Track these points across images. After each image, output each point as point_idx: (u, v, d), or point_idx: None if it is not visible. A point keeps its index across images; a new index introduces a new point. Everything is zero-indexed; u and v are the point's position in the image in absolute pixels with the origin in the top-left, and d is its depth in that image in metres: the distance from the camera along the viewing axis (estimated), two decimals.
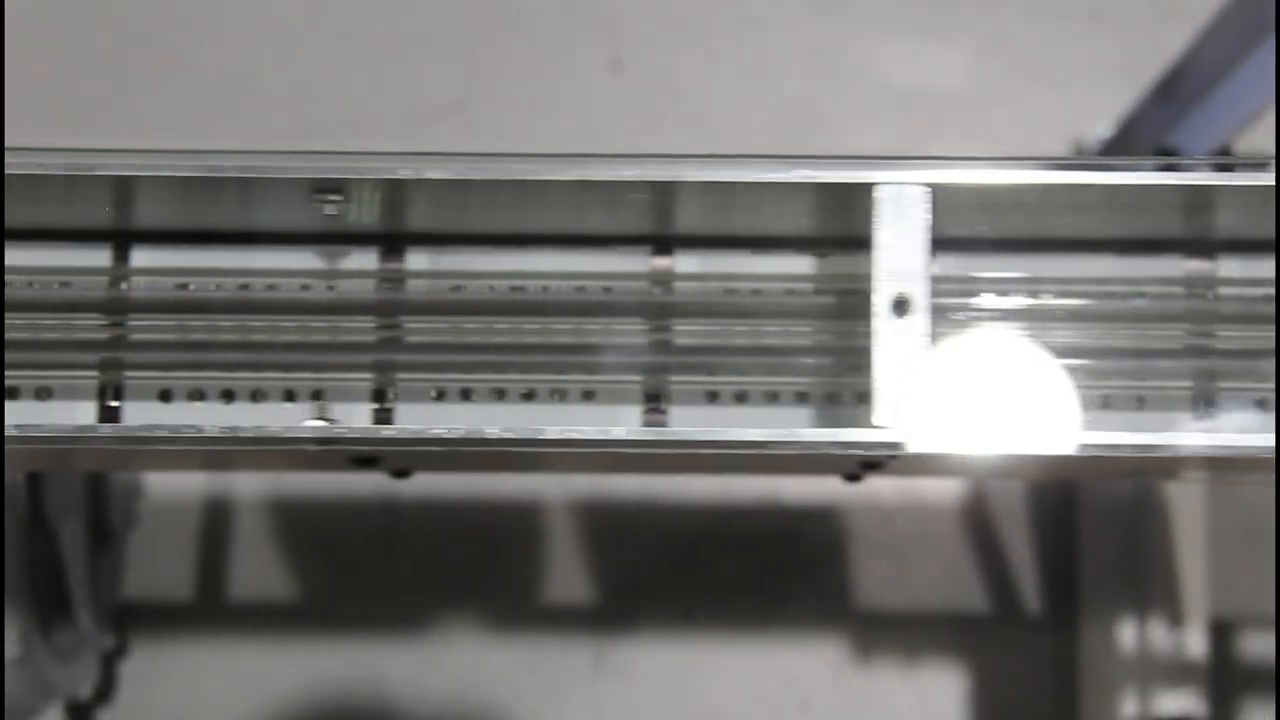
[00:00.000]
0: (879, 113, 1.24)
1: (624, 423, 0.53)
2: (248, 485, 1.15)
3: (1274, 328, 0.50)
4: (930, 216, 0.46)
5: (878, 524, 1.17)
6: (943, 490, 1.18)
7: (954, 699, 1.14)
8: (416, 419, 0.52)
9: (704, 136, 1.23)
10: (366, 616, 1.13)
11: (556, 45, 1.24)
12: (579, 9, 1.25)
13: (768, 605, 1.15)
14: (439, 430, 0.44)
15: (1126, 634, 1.09)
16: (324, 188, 0.46)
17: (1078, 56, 1.24)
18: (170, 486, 1.13)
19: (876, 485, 1.18)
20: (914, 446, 0.45)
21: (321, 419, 0.46)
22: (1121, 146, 1.08)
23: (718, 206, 0.50)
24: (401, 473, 0.58)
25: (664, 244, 0.54)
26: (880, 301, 0.46)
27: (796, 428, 0.49)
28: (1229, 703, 1.11)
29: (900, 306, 0.46)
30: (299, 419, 0.51)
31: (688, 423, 0.53)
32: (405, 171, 0.44)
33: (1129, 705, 1.08)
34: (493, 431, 0.45)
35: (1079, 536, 1.14)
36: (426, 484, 1.15)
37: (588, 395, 0.54)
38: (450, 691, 1.13)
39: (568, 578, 1.15)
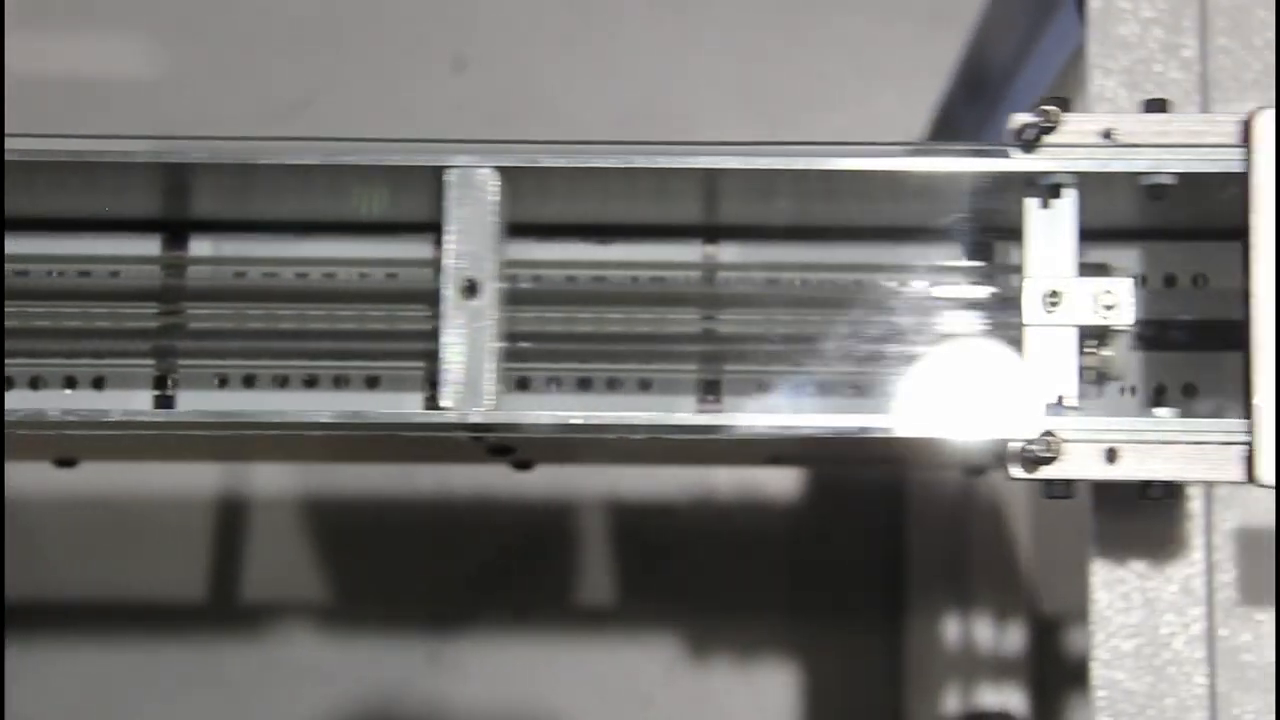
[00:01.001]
0: (723, 112, 1.25)
1: (409, 408, 0.54)
2: (88, 480, 1.16)
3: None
4: (498, 199, 0.48)
5: (715, 521, 1.18)
6: (780, 488, 1.19)
7: (787, 695, 1.15)
8: (198, 405, 0.54)
9: (547, 135, 1.24)
10: (203, 614, 1.14)
11: (399, 43, 1.26)
12: (422, 7, 1.26)
13: (605, 602, 1.16)
14: None
15: (951, 630, 1.11)
16: None
17: (918, 57, 1.25)
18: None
19: (715, 481, 1.19)
20: (473, 419, 0.47)
21: None
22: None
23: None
24: (65, 462, 0.59)
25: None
26: (448, 284, 0.48)
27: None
28: (1050, 698, 1.12)
29: (469, 289, 0.48)
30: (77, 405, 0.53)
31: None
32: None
33: (951, 700, 1.09)
34: (53, 413, 0.46)
35: (908, 533, 1.16)
36: (264, 479, 1.17)
37: (371, 382, 0.55)
38: (286, 689, 1.14)
39: (403, 574, 1.16)
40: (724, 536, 1.18)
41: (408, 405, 0.55)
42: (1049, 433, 0.49)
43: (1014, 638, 1.11)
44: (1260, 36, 0.67)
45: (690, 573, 1.18)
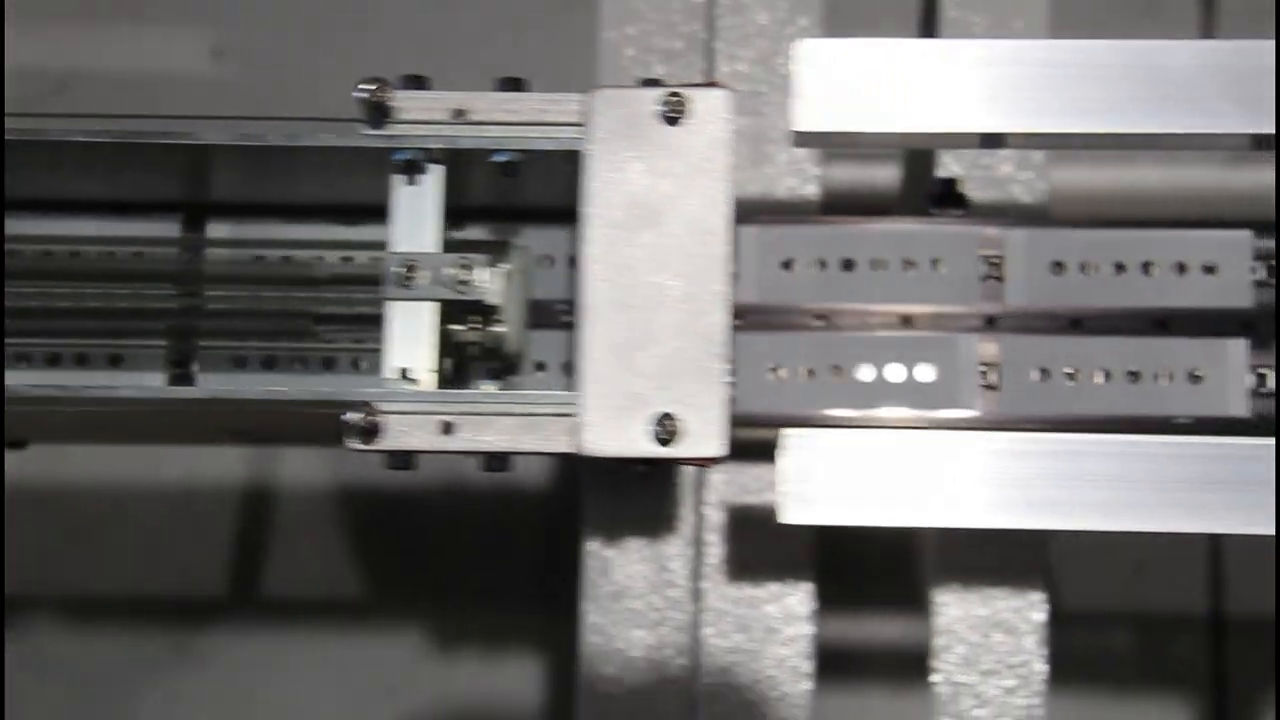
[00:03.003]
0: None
1: None
2: None
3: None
4: None
5: (466, 510, 1.20)
6: (531, 476, 1.21)
7: (534, 687, 1.17)
8: None
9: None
10: None
11: (156, 30, 1.28)
12: None
13: (352, 593, 1.18)
14: None
15: None
16: None
17: None
18: None
19: (465, 470, 1.21)
20: None
21: None
22: None
23: None
24: None
25: None
26: None
27: None
28: None
29: None
30: None
31: None
32: None
33: None
34: None
35: None
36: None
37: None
38: (25, 682, 1.15)
39: (150, 565, 1.18)
40: (474, 526, 1.19)
41: None
42: (366, 404, 0.51)
43: None
44: (766, 13, 0.69)
45: (439, 563, 1.19)
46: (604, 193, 0.52)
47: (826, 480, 0.52)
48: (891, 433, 0.52)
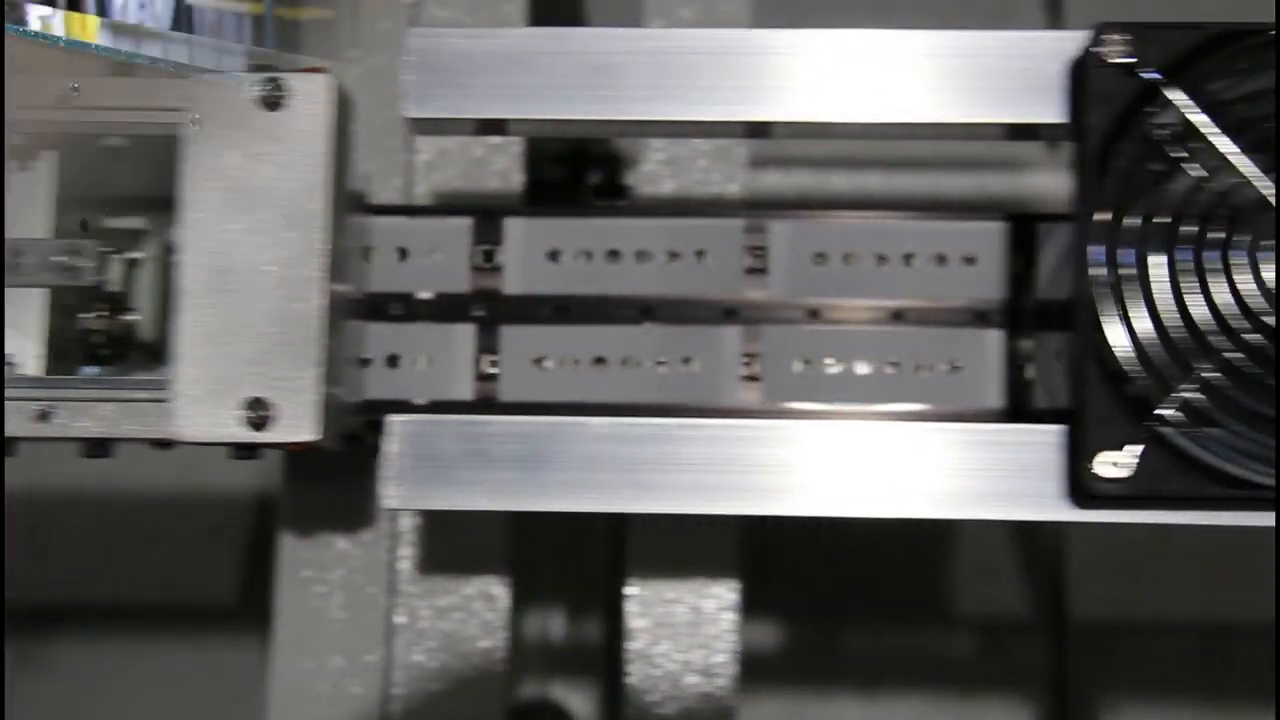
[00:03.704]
0: None
1: None
2: None
3: None
4: None
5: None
6: None
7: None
8: None
9: None
10: None
11: None
12: None
13: (198, 599, 1.18)
14: None
15: (532, 623, 1.13)
16: None
17: None
18: None
19: None
20: None
21: None
22: None
23: None
24: None
25: None
26: None
27: None
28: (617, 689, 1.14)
29: None
30: None
31: None
32: None
33: (527, 690, 1.12)
34: None
35: None
36: None
37: None
38: None
39: None
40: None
41: None
42: None
43: (591, 629, 1.13)
44: None
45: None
46: (202, 177, 0.52)
47: (436, 465, 0.52)
48: (509, 417, 0.53)
